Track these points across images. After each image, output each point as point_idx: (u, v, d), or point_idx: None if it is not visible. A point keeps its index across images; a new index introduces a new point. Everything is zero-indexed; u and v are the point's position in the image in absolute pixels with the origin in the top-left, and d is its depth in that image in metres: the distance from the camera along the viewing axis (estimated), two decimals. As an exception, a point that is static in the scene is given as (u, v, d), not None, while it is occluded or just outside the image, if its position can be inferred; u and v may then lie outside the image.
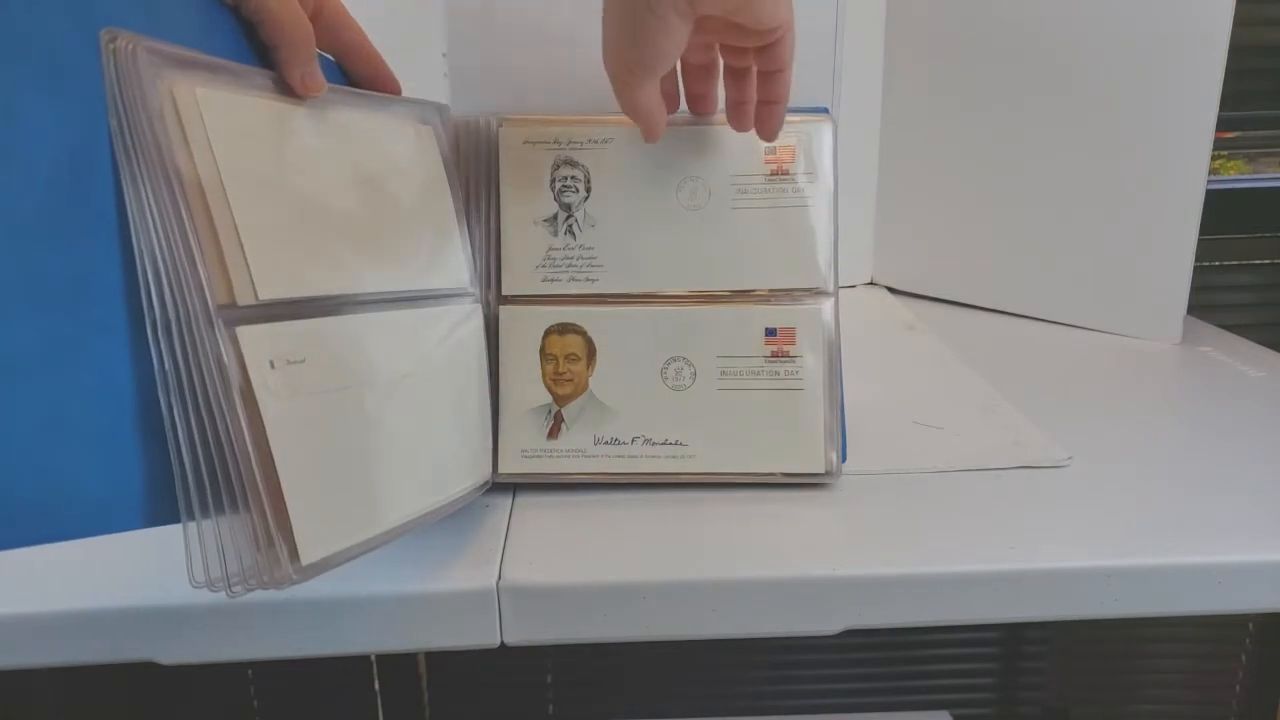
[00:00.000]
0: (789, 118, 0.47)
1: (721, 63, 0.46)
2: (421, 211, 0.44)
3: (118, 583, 0.40)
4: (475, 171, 0.48)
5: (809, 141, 0.48)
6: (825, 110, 0.49)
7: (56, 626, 0.39)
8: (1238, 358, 0.67)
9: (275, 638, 0.40)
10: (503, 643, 0.41)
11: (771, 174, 0.48)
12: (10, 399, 0.29)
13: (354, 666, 1.13)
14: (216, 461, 0.32)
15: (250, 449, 0.32)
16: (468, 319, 0.46)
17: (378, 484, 0.38)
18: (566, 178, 0.48)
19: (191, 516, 0.32)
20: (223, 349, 0.32)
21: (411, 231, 0.43)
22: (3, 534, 0.29)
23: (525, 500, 0.47)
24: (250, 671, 1.13)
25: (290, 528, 0.33)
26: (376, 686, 1.14)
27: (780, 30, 0.40)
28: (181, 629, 0.39)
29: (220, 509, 0.32)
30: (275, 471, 0.32)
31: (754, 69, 0.45)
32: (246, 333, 0.32)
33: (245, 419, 0.32)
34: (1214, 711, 1.20)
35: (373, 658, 1.12)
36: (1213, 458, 0.50)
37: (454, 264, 0.46)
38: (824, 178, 0.48)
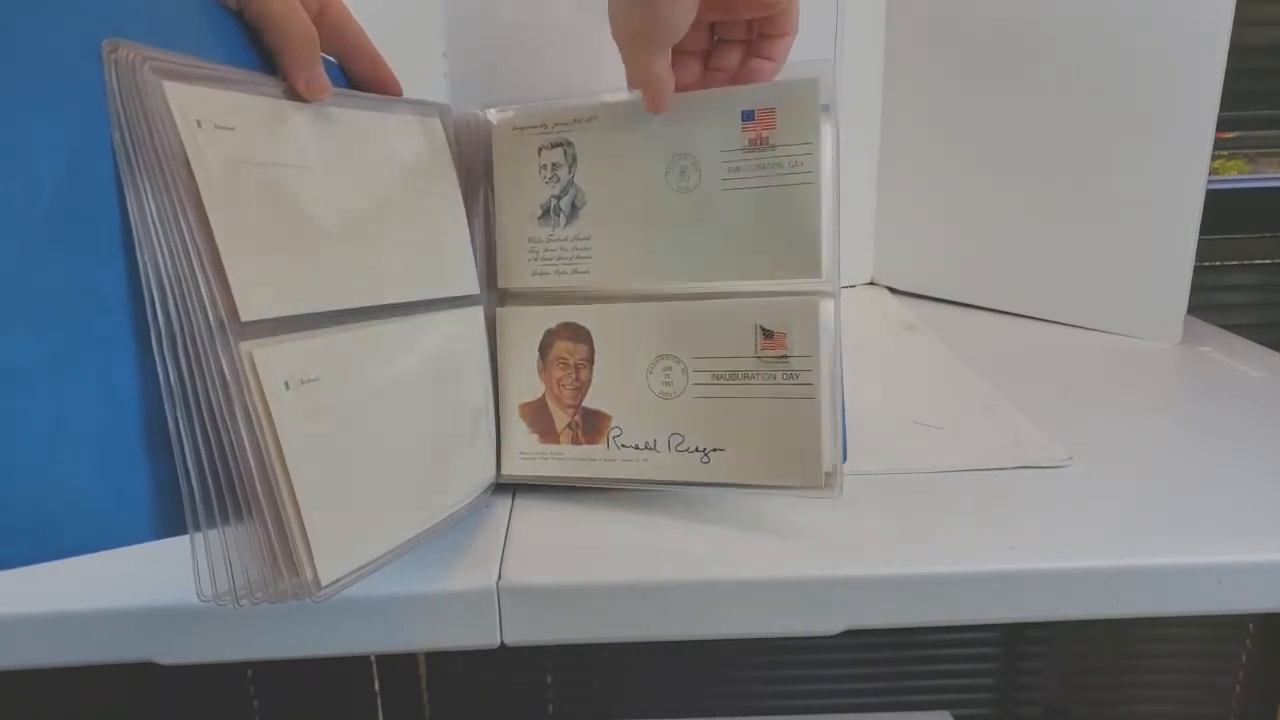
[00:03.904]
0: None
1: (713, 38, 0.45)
2: (433, 217, 0.44)
3: (118, 583, 0.40)
4: (473, 168, 0.48)
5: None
6: (826, 108, 0.48)
7: (56, 626, 0.39)
8: (1238, 358, 0.67)
9: (275, 638, 0.40)
10: (503, 643, 0.41)
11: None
12: (15, 412, 0.28)
13: (354, 666, 1.13)
14: (222, 476, 0.32)
15: (267, 467, 0.32)
16: (473, 321, 0.46)
17: (392, 497, 0.38)
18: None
19: (200, 530, 0.32)
20: (227, 364, 0.31)
21: (424, 238, 0.43)
22: (10, 551, 0.29)
23: (525, 500, 0.47)
24: (250, 671, 1.13)
25: (310, 549, 0.33)
26: (376, 686, 1.14)
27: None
28: (181, 629, 0.39)
29: (228, 522, 0.32)
30: (294, 490, 0.32)
31: (742, 43, 0.44)
32: (261, 354, 0.32)
33: (260, 438, 0.32)
34: (1214, 711, 1.20)
35: (373, 658, 1.12)
36: (1213, 458, 0.50)
37: (464, 267, 0.46)
38: (826, 177, 0.48)
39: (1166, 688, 1.19)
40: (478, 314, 0.46)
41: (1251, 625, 1.16)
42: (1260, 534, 0.42)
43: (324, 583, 0.33)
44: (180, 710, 1.15)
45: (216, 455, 0.32)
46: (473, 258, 0.46)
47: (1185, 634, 1.17)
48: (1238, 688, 1.19)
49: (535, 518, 0.45)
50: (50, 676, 1.10)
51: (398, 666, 1.13)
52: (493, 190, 0.48)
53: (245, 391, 0.31)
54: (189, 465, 0.32)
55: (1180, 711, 1.20)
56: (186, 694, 1.14)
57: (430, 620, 0.40)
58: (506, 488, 0.48)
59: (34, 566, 0.41)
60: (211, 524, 0.32)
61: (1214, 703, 1.19)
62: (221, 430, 0.32)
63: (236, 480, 0.32)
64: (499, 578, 0.40)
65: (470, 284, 0.46)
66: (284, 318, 0.34)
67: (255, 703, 1.15)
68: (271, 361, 0.32)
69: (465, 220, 0.46)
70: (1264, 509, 0.44)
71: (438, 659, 1.14)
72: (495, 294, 0.48)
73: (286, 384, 0.33)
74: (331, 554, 0.33)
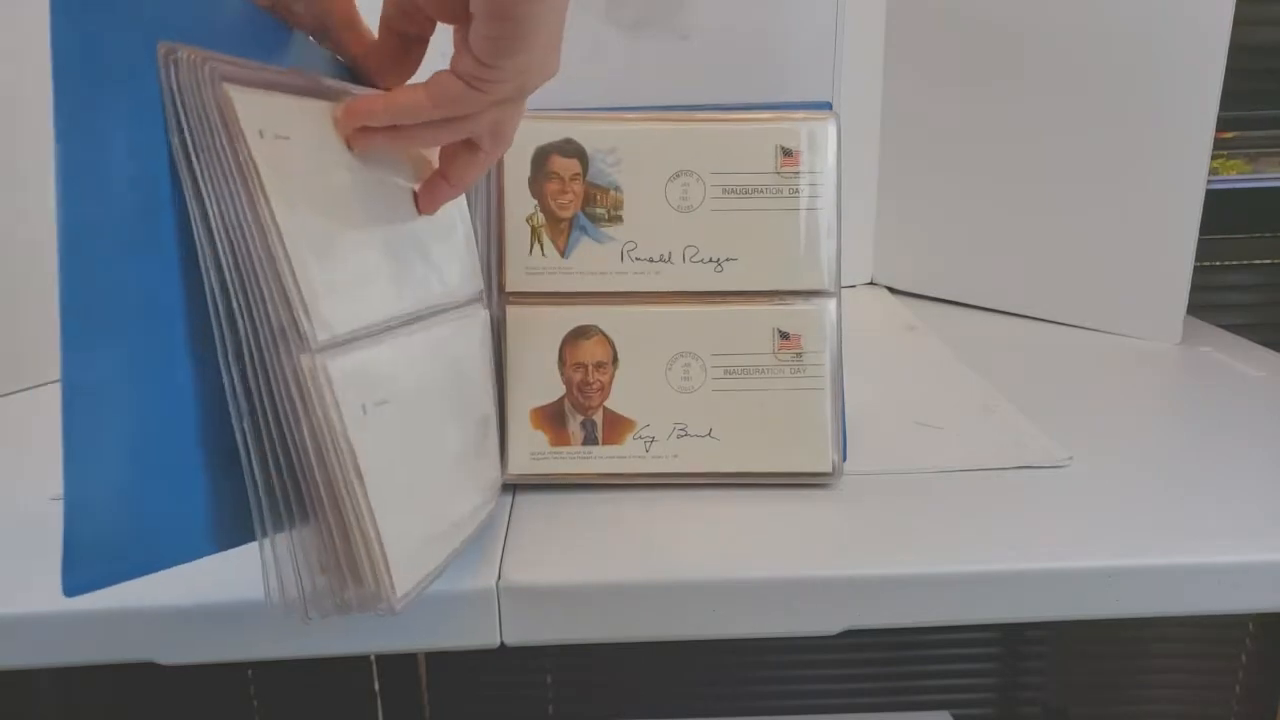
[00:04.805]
0: (791, 115, 0.46)
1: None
2: (446, 217, 0.44)
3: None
4: None
5: (812, 139, 0.48)
6: (828, 106, 0.48)
7: (56, 626, 0.39)
8: (1238, 358, 0.67)
9: (275, 638, 0.40)
10: (503, 643, 0.41)
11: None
12: (96, 429, 0.28)
13: (354, 666, 1.13)
14: (290, 486, 0.31)
15: (337, 478, 0.31)
16: (482, 323, 0.46)
17: (445, 506, 0.38)
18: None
19: (266, 535, 0.32)
20: (294, 374, 0.31)
21: (444, 239, 0.43)
22: (87, 575, 0.28)
23: (525, 500, 0.47)
24: (250, 671, 1.13)
25: (387, 560, 0.32)
26: (376, 686, 1.14)
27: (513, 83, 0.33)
28: (181, 629, 0.39)
29: (294, 529, 0.32)
30: (369, 501, 0.32)
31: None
32: (335, 365, 0.31)
33: (333, 448, 0.31)
34: (1214, 711, 1.20)
35: (373, 658, 1.12)
36: (1213, 458, 0.50)
37: (474, 268, 0.46)
38: (827, 176, 0.48)
39: (1166, 688, 1.19)
40: (484, 315, 0.46)
41: (1251, 625, 1.16)
42: (1260, 534, 0.42)
43: (399, 593, 0.33)
44: (180, 710, 1.15)
45: (284, 465, 0.31)
46: (478, 256, 0.46)
47: (1185, 634, 1.17)
48: (1238, 688, 1.18)
49: (535, 517, 0.45)
50: (50, 676, 1.10)
51: (398, 666, 1.13)
52: (497, 187, 0.48)
53: (316, 402, 0.31)
54: (256, 476, 0.31)
55: (1180, 711, 1.20)
56: (186, 694, 1.14)
57: (430, 620, 0.40)
58: (506, 487, 0.48)
59: (35, 566, 0.41)
60: (278, 529, 0.32)
61: (1214, 703, 1.19)
62: (290, 440, 0.31)
63: (305, 490, 0.31)
64: (499, 578, 0.40)
65: (477, 282, 0.46)
66: (351, 328, 0.33)
67: (255, 703, 1.15)
68: (345, 373, 0.32)
69: (469, 219, 0.46)
70: (1264, 509, 0.44)
71: (438, 659, 1.14)
72: (500, 294, 0.48)
73: (357, 396, 0.32)
74: (404, 564, 0.33)
